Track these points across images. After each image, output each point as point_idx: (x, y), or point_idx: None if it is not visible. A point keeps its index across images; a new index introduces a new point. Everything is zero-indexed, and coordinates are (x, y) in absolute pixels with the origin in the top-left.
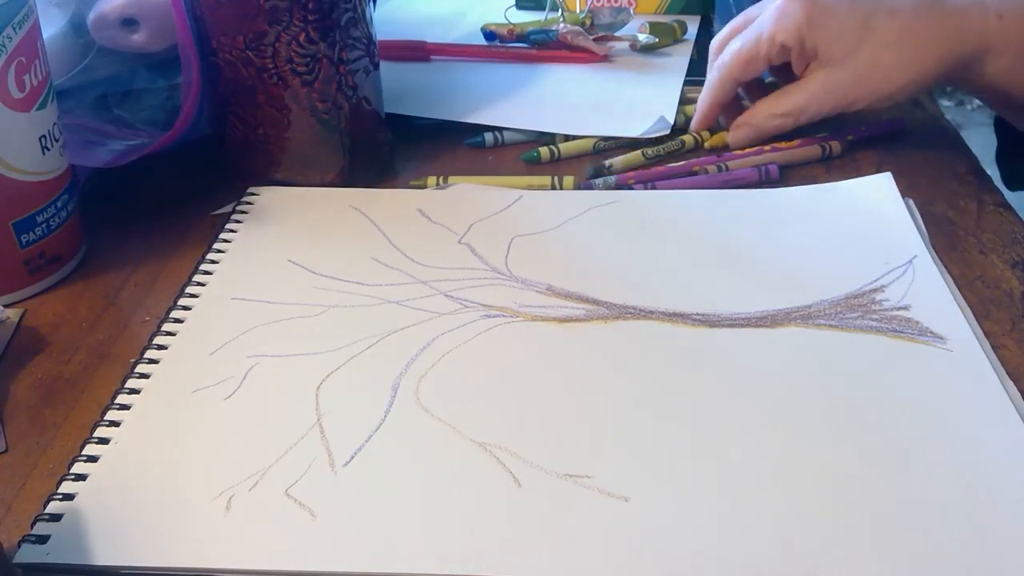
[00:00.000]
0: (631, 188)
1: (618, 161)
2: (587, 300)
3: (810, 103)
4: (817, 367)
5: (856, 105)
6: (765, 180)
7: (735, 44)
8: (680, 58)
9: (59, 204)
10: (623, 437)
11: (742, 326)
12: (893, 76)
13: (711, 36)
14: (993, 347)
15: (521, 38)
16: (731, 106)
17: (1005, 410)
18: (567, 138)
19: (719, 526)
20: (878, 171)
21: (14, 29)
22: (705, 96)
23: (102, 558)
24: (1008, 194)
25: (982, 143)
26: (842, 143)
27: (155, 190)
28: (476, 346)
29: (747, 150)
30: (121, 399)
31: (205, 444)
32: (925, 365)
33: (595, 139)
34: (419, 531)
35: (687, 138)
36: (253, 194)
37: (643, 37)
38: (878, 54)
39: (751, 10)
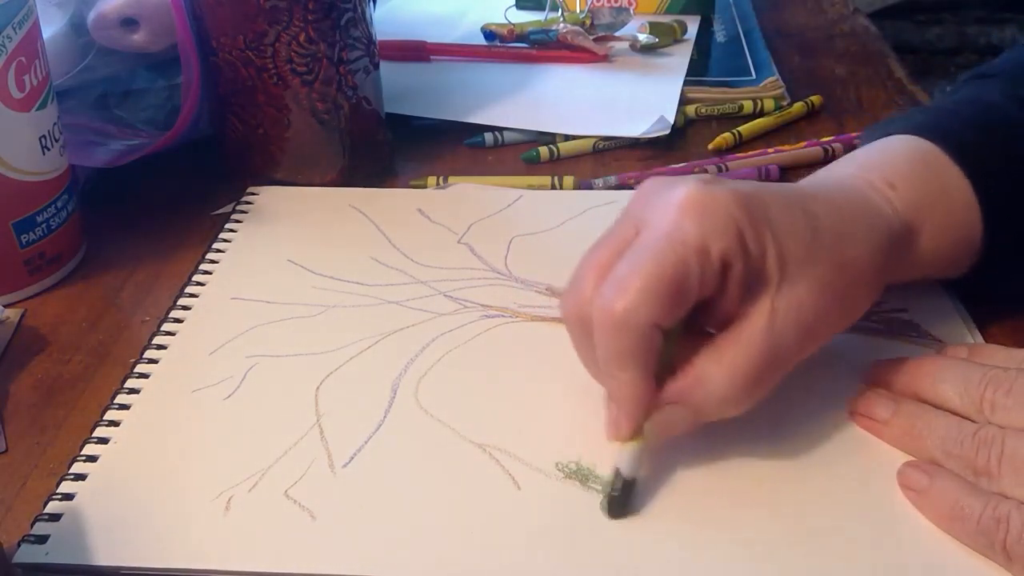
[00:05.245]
0: (631, 188)
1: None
2: None
3: (777, 343)
4: (816, 368)
5: (824, 334)
6: (765, 181)
7: (630, 275)
8: (680, 58)
9: (59, 204)
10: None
11: None
12: (860, 275)
13: (711, 36)
14: None
15: (521, 38)
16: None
17: None
18: (567, 138)
19: (719, 529)
20: None
21: (14, 29)
22: (623, 396)
23: (101, 558)
24: None
25: None
26: (845, 145)
27: (155, 190)
28: (476, 346)
29: (749, 152)
30: (121, 399)
31: (204, 444)
32: None
33: (595, 139)
34: (418, 533)
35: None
36: (253, 194)
37: (643, 37)
38: (835, 247)
39: (619, 228)
